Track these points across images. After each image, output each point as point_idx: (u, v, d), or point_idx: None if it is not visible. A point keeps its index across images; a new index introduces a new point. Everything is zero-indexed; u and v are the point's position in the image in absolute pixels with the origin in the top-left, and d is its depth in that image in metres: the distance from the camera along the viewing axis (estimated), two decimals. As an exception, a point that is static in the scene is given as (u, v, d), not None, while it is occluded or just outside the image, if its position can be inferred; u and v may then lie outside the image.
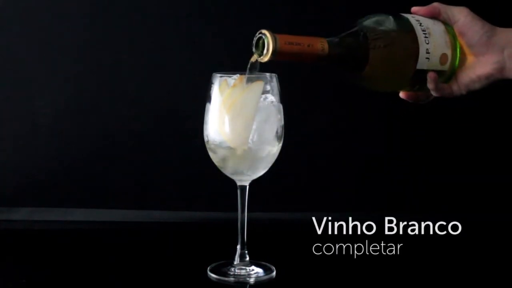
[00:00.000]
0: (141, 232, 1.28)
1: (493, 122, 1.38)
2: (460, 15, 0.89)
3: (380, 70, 0.86)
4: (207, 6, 1.35)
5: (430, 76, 0.88)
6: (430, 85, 0.89)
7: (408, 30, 0.88)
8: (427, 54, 0.87)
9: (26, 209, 1.33)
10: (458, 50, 0.90)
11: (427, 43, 0.87)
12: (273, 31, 0.82)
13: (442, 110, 1.37)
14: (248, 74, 0.91)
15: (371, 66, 0.86)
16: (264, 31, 0.82)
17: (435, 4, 0.91)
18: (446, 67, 0.89)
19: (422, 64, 0.87)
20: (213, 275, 0.99)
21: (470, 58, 0.89)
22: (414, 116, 1.38)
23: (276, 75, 0.97)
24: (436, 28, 0.89)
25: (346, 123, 1.38)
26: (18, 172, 1.36)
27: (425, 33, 0.88)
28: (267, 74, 0.95)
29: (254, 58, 0.86)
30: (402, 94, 0.96)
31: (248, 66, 0.90)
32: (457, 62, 0.90)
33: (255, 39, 0.84)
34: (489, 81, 0.88)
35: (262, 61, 0.84)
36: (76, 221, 1.32)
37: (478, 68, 0.88)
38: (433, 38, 0.88)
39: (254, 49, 0.85)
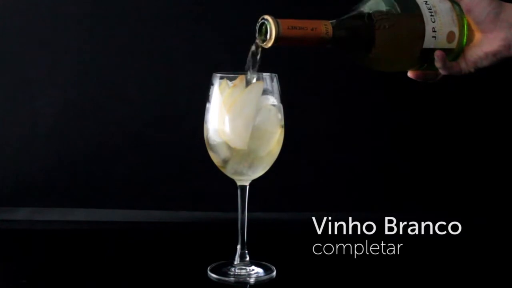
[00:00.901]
0: (141, 232, 1.28)
1: (493, 123, 1.38)
2: None
3: (386, 51, 0.85)
4: (207, 6, 1.35)
5: (437, 54, 0.87)
6: (437, 64, 0.88)
7: (413, 9, 0.87)
8: (434, 33, 0.86)
9: (26, 209, 1.33)
10: (465, 27, 0.89)
11: (433, 22, 0.86)
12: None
13: (442, 110, 1.37)
14: (249, 64, 0.89)
15: (376, 47, 0.85)
16: (266, 16, 0.82)
17: None
18: (454, 44, 0.88)
19: (428, 43, 0.86)
20: (213, 275, 0.99)
21: (477, 35, 0.88)
22: (415, 116, 1.38)
23: (276, 75, 0.96)
24: (442, 6, 0.88)
25: (346, 123, 1.38)
26: (18, 172, 1.36)
27: (431, 12, 0.87)
28: (267, 74, 0.95)
29: (257, 44, 0.85)
30: (410, 74, 0.95)
31: (249, 54, 0.88)
32: (464, 40, 0.89)
33: (257, 25, 0.83)
34: (496, 58, 0.87)
35: (266, 47, 0.83)
36: (76, 221, 1.32)
37: (485, 45, 0.87)
38: (440, 16, 0.87)
39: (257, 35, 0.84)
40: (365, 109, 1.38)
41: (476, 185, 1.37)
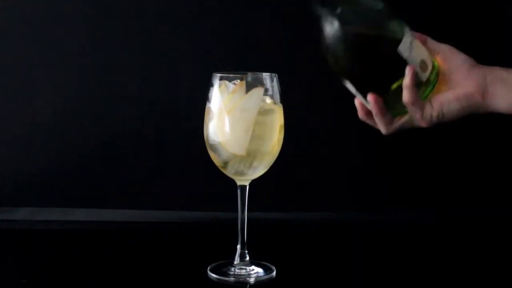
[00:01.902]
0: (141, 232, 1.28)
1: (493, 123, 1.38)
2: (444, 48, 0.89)
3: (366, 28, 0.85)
4: (207, 6, 1.35)
5: (410, 68, 0.85)
6: (406, 80, 0.85)
7: (397, 18, 0.87)
8: (410, 45, 0.85)
9: (26, 209, 1.33)
10: (435, 72, 0.88)
11: (412, 38, 0.86)
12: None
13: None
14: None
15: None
16: None
17: (424, 34, 0.91)
18: (424, 77, 0.87)
19: (404, 48, 0.85)
20: (213, 275, 0.99)
21: (449, 82, 0.88)
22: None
23: (276, 75, 0.97)
24: (421, 45, 0.88)
25: (346, 122, 1.38)
26: (18, 172, 1.36)
27: (411, 33, 0.87)
28: (267, 74, 0.95)
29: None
30: (371, 104, 0.93)
31: None
32: (434, 79, 0.88)
33: None
34: (467, 103, 0.86)
35: None
36: (76, 221, 1.32)
37: (457, 88, 0.87)
38: (417, 44, 0.87)
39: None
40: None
41: (476, 185, 1.37)
